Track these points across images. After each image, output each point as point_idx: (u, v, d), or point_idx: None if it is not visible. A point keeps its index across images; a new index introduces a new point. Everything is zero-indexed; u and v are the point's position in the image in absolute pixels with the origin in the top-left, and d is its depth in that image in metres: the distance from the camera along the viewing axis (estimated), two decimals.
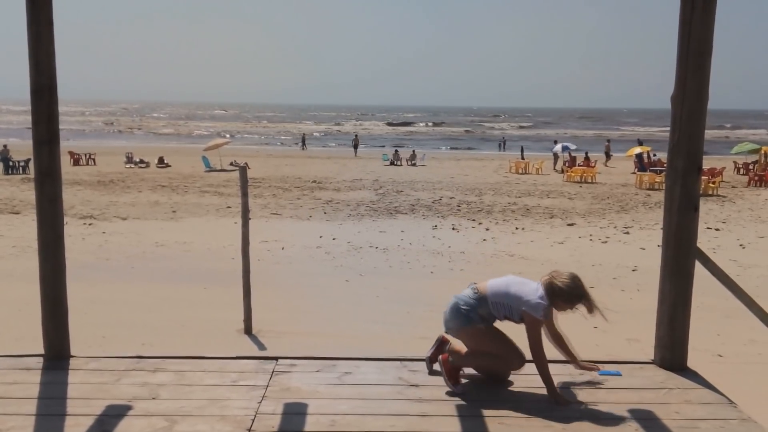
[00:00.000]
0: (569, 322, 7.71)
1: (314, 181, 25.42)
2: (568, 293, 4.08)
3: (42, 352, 4.66)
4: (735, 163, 32.47)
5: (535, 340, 4.07)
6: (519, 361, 4.27)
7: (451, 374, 4.22)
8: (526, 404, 4.00)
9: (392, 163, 35.06)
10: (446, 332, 4.41)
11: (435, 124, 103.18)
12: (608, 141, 40.60)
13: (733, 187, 25.34)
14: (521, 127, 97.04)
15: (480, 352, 4.26)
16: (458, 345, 4.39)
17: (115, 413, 3.82)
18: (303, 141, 52.23)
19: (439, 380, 4.27)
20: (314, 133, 73.20)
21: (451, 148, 55.92)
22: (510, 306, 4.16)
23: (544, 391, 4.09)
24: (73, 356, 4.71)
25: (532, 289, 4.14)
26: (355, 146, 45.10)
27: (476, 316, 4.23)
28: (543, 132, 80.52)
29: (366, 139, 60.77)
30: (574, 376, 4.45)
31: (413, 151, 38.00)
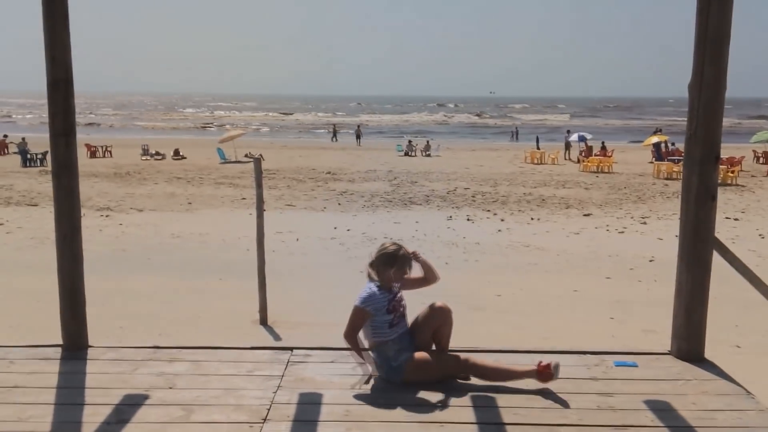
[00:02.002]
0: (585, 312, 7.67)
1: (328, 173, 25.44)
2: (378, 261, 4.20)
3: (60, 342, 4.72)
4: (754, 152, 31.96)
5: (348, 326, 4.13)
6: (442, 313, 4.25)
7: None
8: (541, 396, 3.99)
9: (406, 154, 34.99)
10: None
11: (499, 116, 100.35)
12: (659, 130, 39.48)
13: (752, 176, 24.99)
14: (573, 116, 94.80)
15: (438, 363, 4.17)
16: (475, 359, 4.24)
17: (132, 402, 3.86)
18: (334, 133, 50.41)
19: None
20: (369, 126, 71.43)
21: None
22: (370, 321, 4.18)
23: (558, 384, 4.08)
24: (90, 346, 4.77)
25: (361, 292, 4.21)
26: (358, 136, 45.84)
27: (395, 360, 4.15)
28: (592, 122, 78.60)
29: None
30: (590, 367, 4.42)
31: (427, 141, 37.88)
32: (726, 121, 4.52)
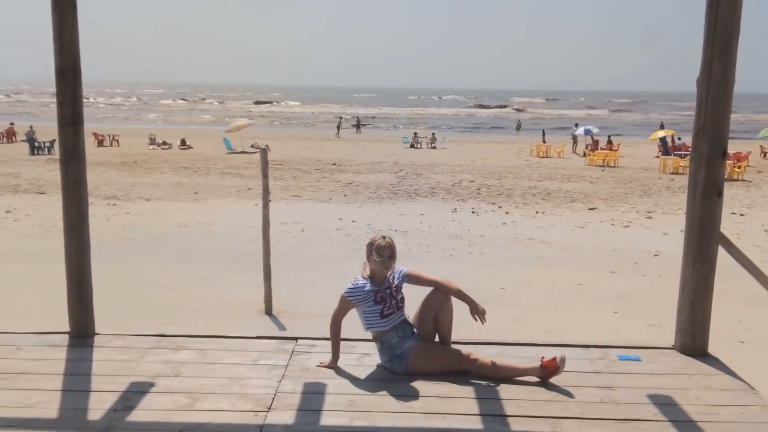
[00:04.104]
0: (589, 306, 7.68)
1: (334, 164, 25.44)
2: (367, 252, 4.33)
3: (67, 329, 4.76)
4: (761, 147, 31.80)
5: (333, 312, 4.36)
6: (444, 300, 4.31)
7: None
8: (544, 389, 4.01)
9: (412, 146, 34.94)
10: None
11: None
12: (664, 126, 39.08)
13: (759, 172, 24.86)
14: (614, 111, 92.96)
15: (442, 354, 4.24)
16: (478, 356, 4.23)
17: (138, 390, 3.90)
18: (338, 127, 45.63)
19: None
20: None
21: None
22: (361, 311, 4.33)
23: (562, 378, 4.09)
24: (97, 334, 4.81)
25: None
26: (338, 127, 45.25)
27: (399, 347, 4.22)
28: (618, 117, 77.47)
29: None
30: (593, 361, 4.44)
31: (433, 134, 37.80)
32: (738, 116, 4.51)
